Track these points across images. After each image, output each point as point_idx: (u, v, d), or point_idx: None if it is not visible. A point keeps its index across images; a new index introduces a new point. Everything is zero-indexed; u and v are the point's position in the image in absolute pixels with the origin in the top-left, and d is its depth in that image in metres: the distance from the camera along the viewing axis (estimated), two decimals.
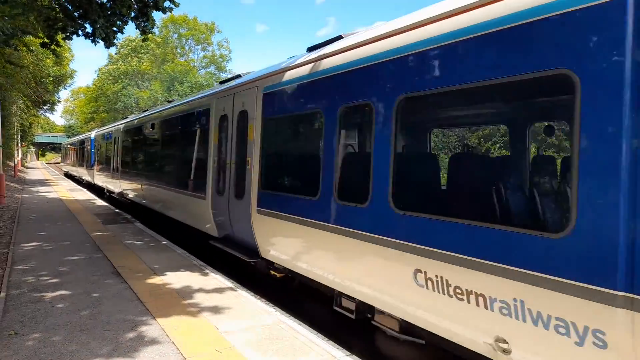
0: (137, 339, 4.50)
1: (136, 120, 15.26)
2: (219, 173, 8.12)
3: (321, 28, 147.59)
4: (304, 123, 6.10)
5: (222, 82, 9.44)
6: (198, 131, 9.30)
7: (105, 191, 20.45)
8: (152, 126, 12.82)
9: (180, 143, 10.60)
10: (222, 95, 8.28)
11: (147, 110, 17.35)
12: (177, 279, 6.70)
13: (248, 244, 7.01)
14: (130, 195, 15.20)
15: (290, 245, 5.88)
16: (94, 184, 23.92)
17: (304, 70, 5.74)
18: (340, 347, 4.58)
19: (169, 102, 13.48)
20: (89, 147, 25.95)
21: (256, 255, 6.72)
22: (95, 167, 23.35)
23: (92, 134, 26.37)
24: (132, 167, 14.97)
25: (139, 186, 13.76)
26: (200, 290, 6.20)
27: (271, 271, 6.46)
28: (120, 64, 57.47)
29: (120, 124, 18.25)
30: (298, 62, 6.03)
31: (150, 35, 12.13)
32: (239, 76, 8.56)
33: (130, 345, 4.33)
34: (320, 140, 5.30)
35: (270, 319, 5.22)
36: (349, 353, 4.41)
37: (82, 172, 29.72)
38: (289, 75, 6.11)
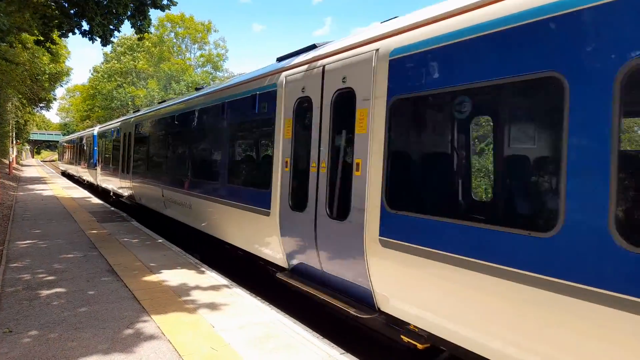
0: (133, 336, 4.51)
1: (155, 112, 12.80)
2: (294, 180, 5.93)
3: (318, 29, 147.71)
4: (503, 98, 3.66)
5: (280, 59, 6.94)
6: (251, 122, 7.25)
7: (112, 194, 18.31)
8: (178, 118, 10.49)
9: (219, 138, 8.19)
10: (299, 70, 5.96)
11: (165, 101, 14.79)
12: (173, 277, 6.70)
13: (351, 288, 4.92)
14: (146, 201, 13.12)
15: (459, 305, 3.63)
16: (97, 185, 21.57)
17: (500, 8, 3.45)
18: (336, 346, 4.60)
19: (197, 89, 10.93)
20: (91, 145, 23.73)
21: (370, 307, 4.64)
22: (99, 166, 21.06)
23: (95, 130, 24.15)
24: (150, 168, 12.62)
25: (158, 191, 11.55)
26: (196, 288, 6.21)
27: (403, 336, 4.29)
28: (114, 63, 57.30)
29: (131, 118, 15.71)
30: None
31: (146, 34, 12.12)
32: (313, 46, 6.20)
33: (126, 343, 4.34)
34: (558, 127, 3.05)
35: (265, 317, 5.24)
36: (344, 351, 4.43)
37: (82, 172, 27.74)
38: (456, 22, 3.79)
